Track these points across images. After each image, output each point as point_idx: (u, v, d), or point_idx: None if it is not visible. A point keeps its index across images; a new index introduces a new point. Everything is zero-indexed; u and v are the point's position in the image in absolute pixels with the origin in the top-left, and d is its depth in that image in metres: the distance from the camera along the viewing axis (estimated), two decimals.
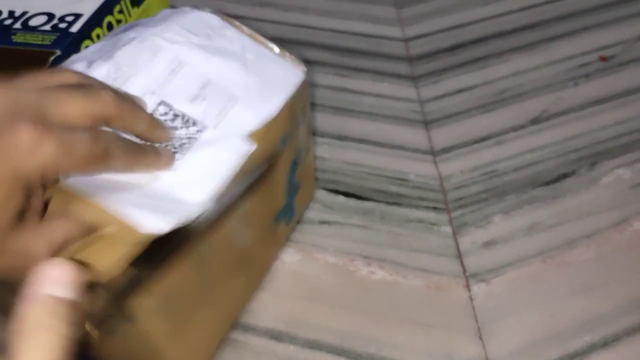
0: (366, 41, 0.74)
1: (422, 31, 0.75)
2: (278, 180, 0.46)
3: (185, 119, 0.38)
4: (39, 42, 0.51)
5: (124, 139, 0.34)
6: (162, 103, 0.38)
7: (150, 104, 0.37)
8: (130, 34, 0.41)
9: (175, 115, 0.38)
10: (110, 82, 0.37)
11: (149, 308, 0.35)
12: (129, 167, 0.34)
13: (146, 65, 0.39)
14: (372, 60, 0.71)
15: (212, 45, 0.42)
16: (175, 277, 0.37)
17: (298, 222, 0.55)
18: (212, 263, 0.41)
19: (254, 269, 0.49)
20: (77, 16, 0.55)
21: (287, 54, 0.44)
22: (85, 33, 0.54)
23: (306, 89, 0.45)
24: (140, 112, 0.36)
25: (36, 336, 0.23)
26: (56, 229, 0.31)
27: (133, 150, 0.34)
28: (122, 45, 0.40)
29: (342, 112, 0.65)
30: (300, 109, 0.45)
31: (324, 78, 0.69)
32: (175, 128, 0.37)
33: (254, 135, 0.39)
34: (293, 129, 0.45)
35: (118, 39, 0.41)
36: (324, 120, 0.64)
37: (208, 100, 0.39)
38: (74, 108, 0.31)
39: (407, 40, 0.74)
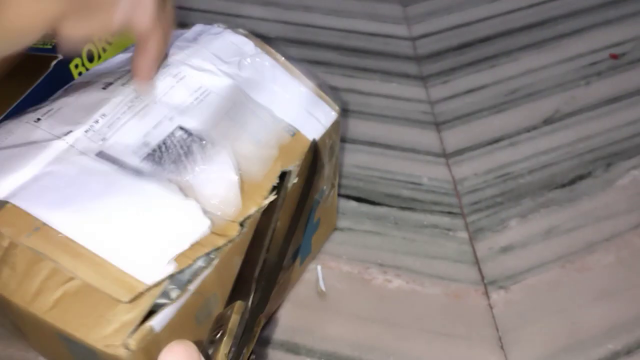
0: (373, 40, 0.72)
1: (429, 30, 0.74)
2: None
3: (204, 142, 0.36)
4: (41, 46, 0.50)
5: None
6: (180, 128, 0.37)
7: (168, 129, 0.36)
8: None
9: (193, 141, 0.36)
10: (126, 108, 0.37)
11: None
12: None
13: (167, 92, 0.38)
14: (379, 60, 0.70)
15: (241, 76, 0.40)
16: None
17: (313, 258, 0.51)
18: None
19: None
20: None
21: (322, 91, 0.42)
22: None
23: (337, 128, 0.43)
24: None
25: None
26: None
27: None
28: None
29: (350, 114, 0.64)
30: (328, 148, 0.42)
31: (330, 79, 0.67)
32: (192, 153, 0.36)
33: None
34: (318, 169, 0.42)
35: None
36: None
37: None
38: None
39: (414, 39, 0.73)
